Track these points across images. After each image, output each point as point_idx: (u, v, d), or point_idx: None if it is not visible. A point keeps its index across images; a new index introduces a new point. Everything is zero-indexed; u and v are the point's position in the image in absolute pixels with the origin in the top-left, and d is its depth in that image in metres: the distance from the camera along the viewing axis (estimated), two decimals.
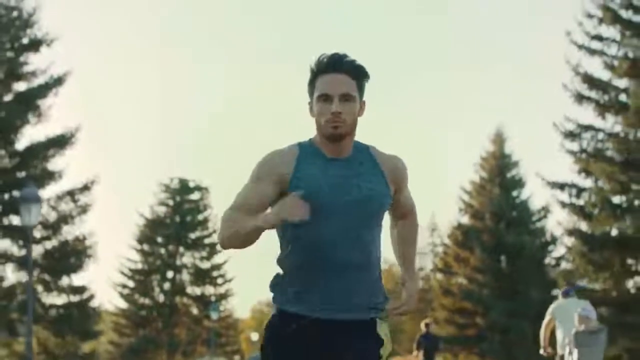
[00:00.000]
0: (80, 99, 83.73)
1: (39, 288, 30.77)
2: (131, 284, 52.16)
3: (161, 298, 52.33)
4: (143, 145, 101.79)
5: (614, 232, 29.97)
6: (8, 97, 31.24)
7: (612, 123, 30.32)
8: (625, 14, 30.25)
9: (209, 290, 53.42)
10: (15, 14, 31.72)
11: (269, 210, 3.68)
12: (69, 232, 32.33)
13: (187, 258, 53.30)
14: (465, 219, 48.71)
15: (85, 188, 32.32)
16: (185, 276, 53.11)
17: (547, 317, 12.21)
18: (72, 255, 32.26)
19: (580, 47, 30.68)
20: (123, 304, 52.05)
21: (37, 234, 30.51)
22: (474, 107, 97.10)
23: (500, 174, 47.76)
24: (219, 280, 53.29)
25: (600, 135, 30.42)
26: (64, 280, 32.45)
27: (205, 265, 53.41)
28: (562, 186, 31.04)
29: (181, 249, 52.99)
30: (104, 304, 40.54)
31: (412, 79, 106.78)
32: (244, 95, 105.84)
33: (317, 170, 3.71)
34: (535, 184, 75.11)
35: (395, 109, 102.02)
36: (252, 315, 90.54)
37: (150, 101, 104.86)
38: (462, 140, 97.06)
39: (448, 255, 49.73)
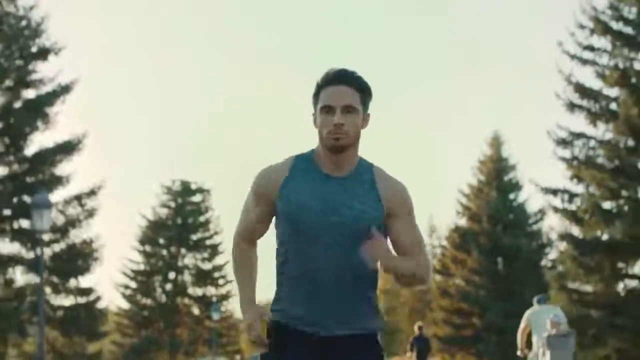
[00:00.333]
0: (86, 105, 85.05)
1: (48, 290, 31.67)
2: (133, 284, 52.95)
3: (163, 299, 53.03)
4: (145, 148, 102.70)
5: (605, 237, 30.85)
6: (17, 105, 32.01)
7: (603, 131, 31.19)
8: (616, 25, 31.08)
9: (211, 291, 54.16)
10: (24, 23, 32.42)
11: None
12: (76, 236, 33.22)
13: (189, 259, 54.14)
14: (463, 222, 49.69)
15: (92, 193, 33.19)
16: (187, 277, 53.90)
17: (523, 323, 13.61)
18: (79, 258, 33.17)
19: (573, 57, 31.53)
20: (125, 305, 52.87)
21: (46, 237, 31.52)
22: (475, 110, 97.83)
23: (497, 177, 48.72)
24: (220, 281, 53.98)
25: (592, 143, 31.23)
26: (72, 282, 33.38)
27: (207, 266, 54.15)
28: (554, 192, 31.87)
29: (183, 251, 53.82)
30: (107, 305, 41.53)
31: (411, 81, 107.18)
32: (245, 96, 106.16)
33: (307, 187, 3.72)
34: (531, 187, 75.68)
35: (395, 109, 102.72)
36: None
37: (151, 103, 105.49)
38: (463, 142, 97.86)
39: (446, 257, 50.59)
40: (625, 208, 30.51)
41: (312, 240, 3.67)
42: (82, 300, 33.85)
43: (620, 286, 31.19)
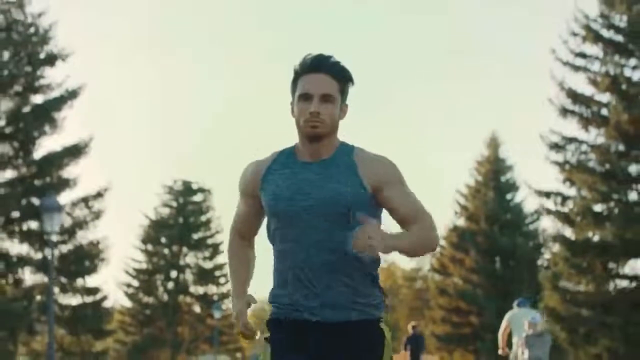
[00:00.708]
0: (89, 109, 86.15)
1: (56, 289, 32.31)
2: (136, 283, 53.81)
3: (165, 297, 53.81)
4: (147, 149, 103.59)
5: (596, 239, 31.70)
6: (26, 110, 32.68)
7: (594, 135, 32.11)
8: (607, 33, 31.99)
9: (212, 289, 54.98)
10: (32, 30, 33.11)
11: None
12: (83, 237, 34.09)
13: (191, 258, 54.89)
14: (461, 222, 50.49)
15: (99, 195, 34.05)
16: (189, 276, 54.66)
17: (504, 323, 15.00)
18: (86, 259, 34.04)
19: (565, 63, 32.45)
20: (128, 303, 53.63)
21: (54, 238, 32.57)
22: (474, 110, 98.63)
23: (494, 178, 49.55)
24: (222, 280, 54.73)
25: (584, 147, 32.13)
26: (79, 282, 34.28)
27: (208, 265, 54.95)
28: (548, 194, 32.81)
29: (184, 249, 54.55)
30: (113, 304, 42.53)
31: (412, 81, 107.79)
32: (245, 96, 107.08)
33: (283, 177, 3.74)
34: (527, 189, 76.61)
35: (395, 108, 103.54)
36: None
37: (153, 105, 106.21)
38: (463, 142, 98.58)
39: (444, 256, 51.21)
40: (616, 211, 31.36)
41: (290, 228, 3.69)
42: (88, 299, 34.67)
43: (610, 286, 31.98)
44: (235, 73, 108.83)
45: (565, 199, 32.65)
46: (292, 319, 3.72)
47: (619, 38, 32.05)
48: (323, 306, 3.68)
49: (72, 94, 33.51)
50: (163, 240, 54.65)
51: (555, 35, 33.82)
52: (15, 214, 32.42)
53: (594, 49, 32.39)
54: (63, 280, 33.35)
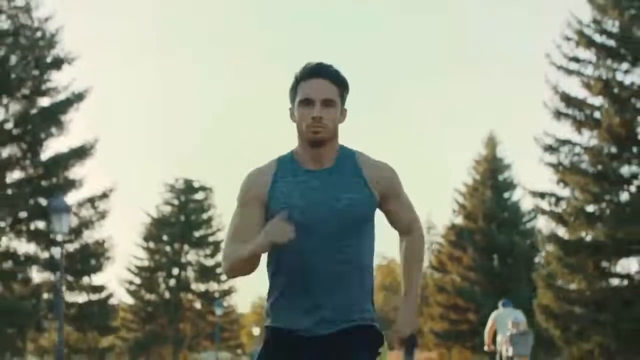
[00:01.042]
0: (93, 112, 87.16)
1: (59, 285, 33.80)
2: (138, 280, 54.66)
3: (167, 294, 54.68)
4: (149, 149, 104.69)
5: (588, 238, 32.44)
6: (33, 112, 33.46)
7: (587, 138, 32.86)
8: (599, 38, 32.76)
9: (213, 286, 55.85)
10: (39, 34, 33.92)
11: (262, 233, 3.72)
12: (89, 237, 35.12)
13: (192, 256, 55.90)
14: (459, 220, 51.35)
15: (104, 195, 35.08)
16: (190, 273, 55.61)
17: (490, 323, 16.25)
18: (92, 257, 35.05)
19: (559, 67, 33.21)
20: (130, 300, 54.47)
21: (62, 238, 33.44)
22: (474, 109, 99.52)
23: (492, 176, 50.44)
24: (223, 277, 55.40)
25: (577, 149, 32.86)
26: (85, 280, 35.31)
27: (209, 262, 55.80)
28: (542, 195, 33.65)
29: (186, 247, 55.48)
30: (118, 302, 43.48)
31: (412, 81, 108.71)
32: (245, 96, 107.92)
33: (292, 186, 3.70)
34: (529, 183, 77.38)
35: (395, 108, 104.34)
36: (253, 310, 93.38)
37: (154, 106, 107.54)
38: (463, 141, 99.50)
39: (442, 254, 52.26)
40: (608, 211, 32.12)
41: (305, 238, 3.62)
42: (94, 297, 35.69)
43: (602, 284, 32.63)
44: (235, 73, 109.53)
45: (559, 199, 33.31)
46: (294, 329, 3.70)
47: (611, 43, 32.75)
48: (327, 316, 3.67)
49: (78, 97, 34.29)
50: (165, 237, 55.49)
51: (555, 35, 34.66)
52: (23, 214, 33.16)
53: (587, 54, 33.09)
54: (69, 278, 34.27)
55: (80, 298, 35.57)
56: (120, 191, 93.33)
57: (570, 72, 33.33)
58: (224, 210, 61.24)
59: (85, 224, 34.94)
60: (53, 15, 34.72)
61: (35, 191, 33.30)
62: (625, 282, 32.80)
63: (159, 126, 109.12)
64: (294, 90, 3.75)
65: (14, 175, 33.62)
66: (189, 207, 56.38)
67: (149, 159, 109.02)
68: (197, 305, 56.37)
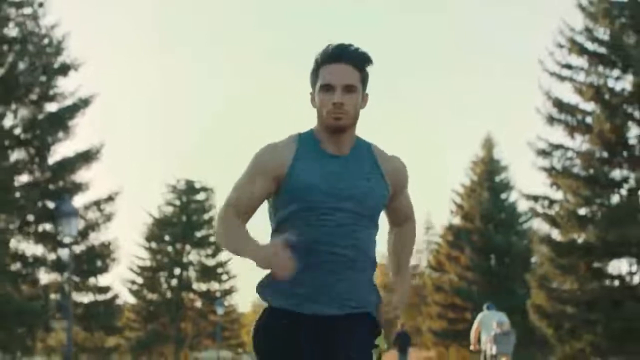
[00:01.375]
0: (96, 114, 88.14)
1: (68, 287, 34.89)
2: (140, 280, 55.41)
3: (169, 294, 55.43)
4: (150, 149, 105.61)
5: (580, 240, 33.54)
6: (41, 117, 34.37)
7: (579, 142, 34.03)
8: (591, 45, 33.98)
9: (214, 286, 56.66)
10: (46, 41, 34.79)
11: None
12: (95, 238, 36.30)
13: (193, 256, 56.63)
14: (457, 220, 52.57)
15: (110, 198, 36.25)
16: (192, 273, 56.33)
17: (476, 324, 17.71)
18: (98, 259, 36.25)
19: (552, 74, 34.38)
20: (132, 300, 55.10)
21: (71, 241, 34.42)
22: (473, 110, 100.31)
23: (489, 178, 51.59)
24: (224, 277, 56.52)
25: (569, 154, 34.03)
26: (91, 281, 36.51)
27: (211, 262, 56.62)
28: (535, 198, 34.85)
29: (188, 247, 56.21)
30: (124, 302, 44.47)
31: (411, 81, 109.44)
32: (245, 95, 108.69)
33: (315, 167, 3.68)
34: (522, 188, 78.12)
35: (393, 108, 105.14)
36: (254, 310, 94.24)
37: (155, 107, 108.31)
38: (462, 142, 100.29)
39: (440, 254, 53.45)
40: (599, 214, 33.31)
41: (322, 221, 3.63)
42: (100, 297, 36.87)
43: (594, 285, 33.67)
44: (235, 72, 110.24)
45: (552, 202, 34.50)
46: (296, 311, 3.67)
47: (603, 50, 33.94)
48: (343, 301, 3.67)
49: (85, 102, 35.19)
50: (167, 238, 56.24)
51: (553, 38, 35.66)
52: (31, 217, 34.11)
53: (579, 61, 34.30)
54: (76, 279, 35.23)
55: (87, 298, 36.75)
56: (122, 192, 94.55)
57: (562, 78, 34.41)
58: None
59: (92, 226, 36.05)
60: (60, 22, 35.59)
61: (42, 194, 34.14)
62: (616, 282, 33.86)
63: (160, 127, 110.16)
64: (314, 74, 3.73)
65: (22, 179, 34.48)
66: (190, 208, 57.02)
67: (150, 160, 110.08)
68: (199, 304, 56.97)
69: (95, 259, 36.40)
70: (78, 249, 35.53)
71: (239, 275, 68.23)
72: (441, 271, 53.82)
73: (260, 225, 3.89)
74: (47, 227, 34.45)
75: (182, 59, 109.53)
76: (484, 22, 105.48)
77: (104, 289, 37.23)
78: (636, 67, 32.85)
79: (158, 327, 54.73)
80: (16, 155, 34.40)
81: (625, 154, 33.63)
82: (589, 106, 34.23)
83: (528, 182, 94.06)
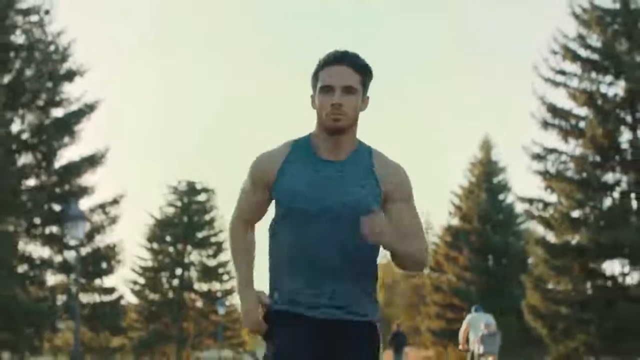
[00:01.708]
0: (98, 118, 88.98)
1: (75, 289, 35.87)
2: (142, 280, 55.99)
3: (170, 294, 55.95)
4: (151, 150, 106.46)
5: (574, 242, 34.58)
6: (48, 122, 35.29)
7: (573, 147, 35.05)
8: (584, 52, 35.09)
9: (215, 286, 57.12)
10: (52, 48, 35.71)
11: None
12: (100, 241, 37.28)
13: (195, 256, 57.20)
14: (455, 221, 53.36)
15: (115, 202, 37.29)
16: (193, 273, 56.89)
17: (464, 325, 19.11)
18: (103, 261, 37.28)
19: (546, 80, 35.47)
20: (135, 300, 55.57)
21: (74, 242, 35.25)
22: (472, 112, 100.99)
23: (487, 179, 52.49)
24: (225, 277, 56.97)
25: (563, 157, 35.06)
26: (97, 282, 37.54)
27: (212, 262, 57.20)
28: (530, 201, 35.94)
29: (189, 248, 56.81)
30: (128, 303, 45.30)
31: (410, 82, 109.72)
32: (246, 96, 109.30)
33: (302, 172, 3.70)
34: (519, 189, 79.28)
35: (393, 108, 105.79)
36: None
37: (155, 106, 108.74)
38: (462, 143, 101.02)
39: (439, 254, 53.98)
40: (591, 217, 34.37)
41: (308, 227, 3.64)
42: (106, 298, 37.87)
43: (587, 285, 34.79)
44: (235, 73, 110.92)
45: (546, 205, 35.57)
46: (298, 314, 3.68)
47: (595, 57, 35.05)
48: (334, 306, 3.66)
49: (90, 108, 36.15)
50: (168, 238, 56.86)
51: (551, 40, 36.54)
52: (37, 220, 35.07)
53: (573, 67, 35.42)
54: (82, 280, 36.22)
55: (92, 299, 37.67)
56: (126, 195, 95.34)
57: (557, 84, 35.46)
58: (225, 212, 62.71)
59: (97, 228, 36.99)
60: (65, 29, 36.51)
61: (49, 198, 35.02)
62: (609, 283, 34.75)
63: (161, 128, 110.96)
64: (315, 76, 3.76)
65: (30, 183, 35.33)
66: (191, 209, 57.59)
67: (152, 161, 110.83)
68: (200, 304, 57.42)
69: (101, 261, 37.34)
70: (84, 251, 36.32)
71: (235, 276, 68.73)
72: (440, 271, 54.48)
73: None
74: (54, 229, 35.31)
75: (182, 60, 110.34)
76: (485, 23, 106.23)
77: (109, 290, 38.17)
78: (628, 74, 33.86)
79: (160, 327, 55.14)
80: (23, 159, 35.23)
81: (617, 157, 34.58)
82: (583, 111, 35.26)
83: (526, 184, 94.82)
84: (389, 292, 79.92)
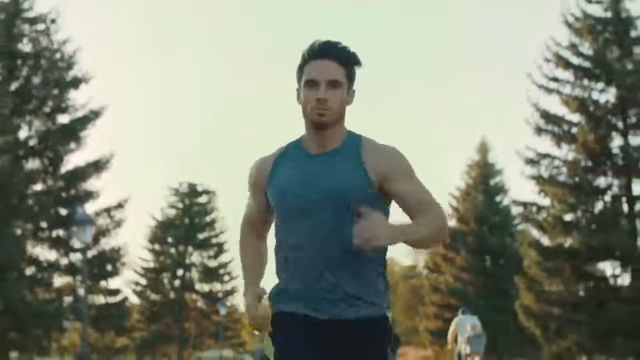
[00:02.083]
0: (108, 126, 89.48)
1: (81, 290, 36.17)
2: (144, 281, 56.81)
3: (172, 295, 56.78)
4: (151, 152, 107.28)
5: (566, 245, 35.42)
6: (54, 128, 36.51)
7: (565, 152, 36.02)
8: (576, 60, 36.19)
9: (217, 287, 57.96)
10: (58, 56, 36.94)
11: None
12: (106, 243, 38.56)
13: (196, 257, 58.08)
14: (452, 223, 53.64)
15: (120, 206, 38.62)
16: (194, 274, 57.75)
17: (453, 327, 20.65)
18: (108, 263, 38.55)
19: (540, 87, 36.53)
20: (136, 300, 56.14)
21: (79, 245, 35.68)
22: (471, 113, 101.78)
23: (484, 181, 53.42)
24: (226, 278, 57.88)
25: (556, 162, 36.03)
26: (102, 284, 38.84)
27: (213, 263, 58.03)
28: (525, 204, 37.01)
29: (190, 249, 57.67)
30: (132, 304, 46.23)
31: (410, 82, 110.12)
32: (246, 96, 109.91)
33: (292, 170, 3.72)
34: (516, 191, 79.80)
35: (392, 109, 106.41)
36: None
37: (155, 107, 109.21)
38: (461, 143, 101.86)
39: (436, 255, 54.86)
40: (583, 220, 35.39)
41: (298, 222, 3.66)
42: (111, 299, 39.16)
43: (579, 287, 35.78)
44: (236, 74, 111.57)
45: (540, 208, 36.67)
46: (299, 315, 3.68)
47: (587, 64, 36.15)
48: (330, 302, 3.63)
49: (95, 114, 37.37)
50: (170, 240, 57.70)
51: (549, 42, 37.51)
52: (44, 223, 36.30)
53: (565, 74, 36.45)
54: (88, 282, 37.60)
55: (98, 301, 38.89)
56: (130, 199, 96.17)
57: (550, 90, 36.50)
58: (226, 213, 63.71)
59: (103, 232, 38.23)
60: (71, 38, 37.76)
61: (55, 202, 36.31)
62: (600, 284, 35.73)
63: (162, 130, 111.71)
64: (300, 70, 3.74)
65: (36, 187, 36.55)
66: (192, 210, 58.42)
67: (154, 164, 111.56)
68: (201, 305, 58.12)
69: (106, 263, 38.58)
70: (90, 253, 37.35)
71: (241, 276, 69.67)
72: (437, 272, 55.24)
73: None
74: (60, 232, 36.53)
75: (182, 61, 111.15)
76: (484, 24, 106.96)
77: (114, 292, 39.49)
78: (619, 81, 34.86)
79: (162, 327, 55.83)
80: (30, 165, 36.46)
81: (608, 162, 35.52)
82: (575, 117, 36.22)
83: (522, 186, 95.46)
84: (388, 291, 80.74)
